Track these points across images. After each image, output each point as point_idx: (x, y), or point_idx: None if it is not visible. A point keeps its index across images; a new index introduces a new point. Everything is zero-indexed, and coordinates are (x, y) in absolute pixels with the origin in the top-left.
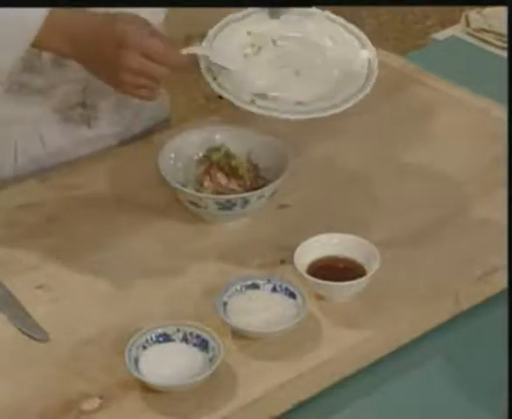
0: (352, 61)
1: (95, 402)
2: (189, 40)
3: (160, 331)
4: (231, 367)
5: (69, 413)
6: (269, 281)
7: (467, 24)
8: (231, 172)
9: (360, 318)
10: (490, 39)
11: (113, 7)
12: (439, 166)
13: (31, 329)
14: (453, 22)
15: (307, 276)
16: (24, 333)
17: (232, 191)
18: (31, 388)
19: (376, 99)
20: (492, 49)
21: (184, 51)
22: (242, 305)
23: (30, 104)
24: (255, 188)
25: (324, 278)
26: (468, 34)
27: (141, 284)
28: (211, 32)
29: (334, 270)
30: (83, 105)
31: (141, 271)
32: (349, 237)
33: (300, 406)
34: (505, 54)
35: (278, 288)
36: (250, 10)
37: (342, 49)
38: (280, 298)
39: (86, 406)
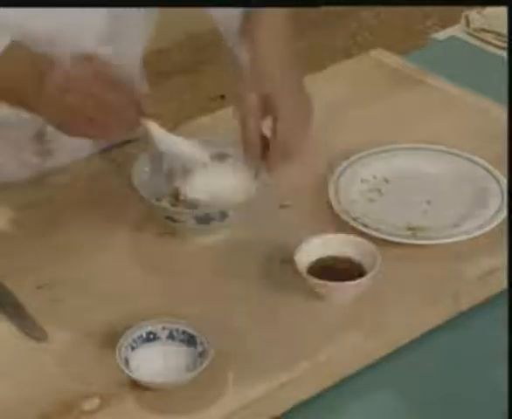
0: None
1: (95, 402)
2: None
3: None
4: (230, 367)
5: (69, 413)
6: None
7: (467, 24)
8: None
9: (360, 318)
10: (490, 39)
11: (113, 7)
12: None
13: (30, 329)
14: (453, 22)
15: (307, 276)
16: (24, 332)
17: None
18: (30, 388)
19: (375, 99)
20: (492, 49)
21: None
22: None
23: None
24: None
25: (324, 278)
26: (468, 34)
27: (142, 284)
28: None
29: (334, 270)
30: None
31: (142, 271)
32: (349, 237)
33: (301, 406)
34: (505, 54)
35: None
36: None
37: None
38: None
39: (86, 406)
